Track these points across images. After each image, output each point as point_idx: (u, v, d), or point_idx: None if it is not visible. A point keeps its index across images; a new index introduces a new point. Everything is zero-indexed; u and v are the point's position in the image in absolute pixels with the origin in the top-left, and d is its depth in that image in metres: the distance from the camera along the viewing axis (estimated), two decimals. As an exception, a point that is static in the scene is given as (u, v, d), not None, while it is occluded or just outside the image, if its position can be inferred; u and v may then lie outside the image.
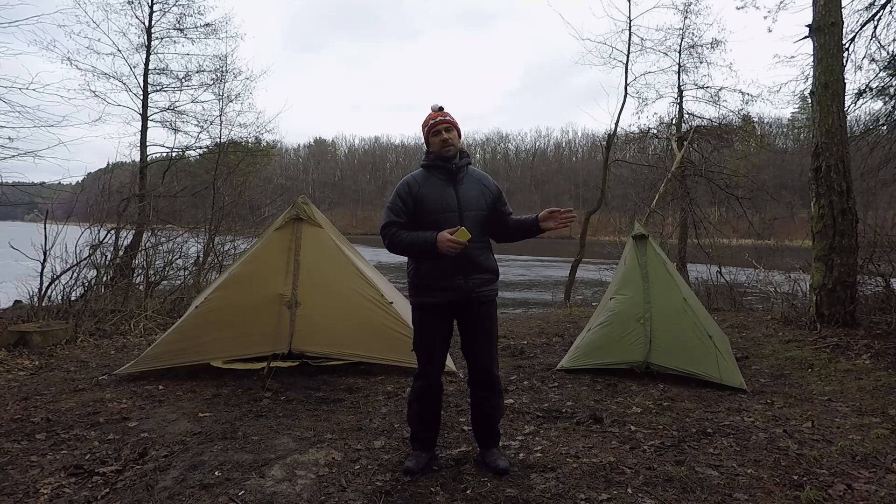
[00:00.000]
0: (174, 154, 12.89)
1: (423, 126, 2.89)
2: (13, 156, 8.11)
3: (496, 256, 2.97)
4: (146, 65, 12.26)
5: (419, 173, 2.89)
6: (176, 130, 12.86)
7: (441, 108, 2.89)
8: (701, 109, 16.20)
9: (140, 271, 9.40)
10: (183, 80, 12.73)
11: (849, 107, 7.73)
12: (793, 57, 17.23)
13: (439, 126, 2.82)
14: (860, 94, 8.56)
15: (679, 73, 15.51)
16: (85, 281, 8.12)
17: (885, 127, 8.99)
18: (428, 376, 2.88)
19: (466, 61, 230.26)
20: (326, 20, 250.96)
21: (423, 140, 2.92)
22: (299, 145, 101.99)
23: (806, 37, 7.14)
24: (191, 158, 13.97)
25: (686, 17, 14.99)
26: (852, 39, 8.25)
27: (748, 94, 15.08)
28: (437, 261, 2.72)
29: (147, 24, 12.14)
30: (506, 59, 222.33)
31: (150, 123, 12.41)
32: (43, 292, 7.51)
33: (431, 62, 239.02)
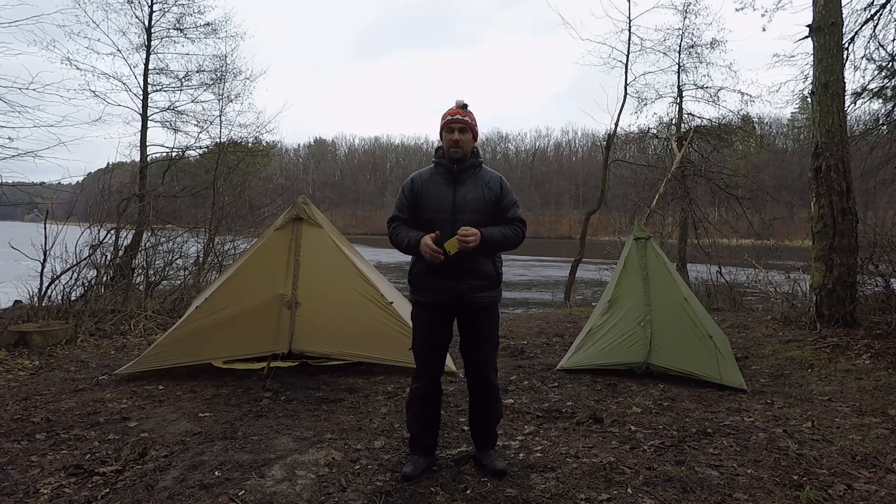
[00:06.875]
0: (174, 154, 12.85)
1: (441, 119, 2.85)
2: (13, 156, 8.08)
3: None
4: (146, 65, 12.23)
5: (427, 170, 2.90)
6: (176, 130, 12.83)
7: (464, 106, 2.83)
8: (700, 109, 16.27)
9: (140, 271, 9.38)
10: (183, 80, 12.70)
11: (848, 107, 7.73)
12: (792, 56, 17.26)
13: (453, 125, 2.78)
14: (858, 94, 8.57)
15: (679, 73, 15.52)
16: (85, 281, 8.11)
17: (884, 127, 8.99)
18: (424, 378, 2.86)
19: (521, 66, 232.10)
20: (393, 27, 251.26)
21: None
22: (299, 145, 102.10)
23: (806, 37, 7.14)
24: (191, 158, 13.93)
25: (685, 18, 15.01)
26: (852, 39, 8.26)
27: (748, 94, 15.11)
28: (428, 261, 2.73)
29: (147, 23, 12.12)
30: (557, 64, 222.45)
31: (150, 123, 12.37)
32: (43, 292, 7.50)
33: (487, 68, 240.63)
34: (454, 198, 2.76)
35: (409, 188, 2.85)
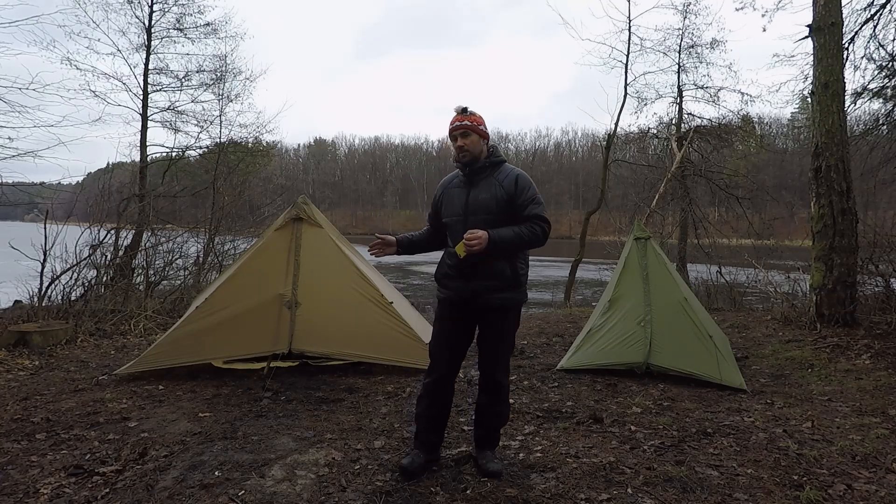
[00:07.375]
0: (174, 154, 12.86)
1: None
2: (13, 156, 8.09)
3: None
4: (146, 65, 12.23)
5: (452, 174, 2.99)
6: (176, 130, 12.84)
7: (464, 110, 2.81)
8: (700, 109, 16.26)
9: (140, 271, 9.39)
10: (183, 80, 12.71)
11: (848, 107, 7.73)
12: (792, 56, 17.28)
13: (455, 132, 2.80)
14: (858, 94, 8.58)
15: (679, 73, 15.53)
16: (85, 281, 8.12)
17: (884, 127, 8.99)
18: (434, 373, 2.87)
19: (522, 67, 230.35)
20: (394, 27, 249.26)
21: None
22: (299, 145, 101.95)
23: (806, 37, 7.14)
24: (191, 158, 13.94)
25: (685, 18, 15.01)
26: (852, 39, 8.26)
27: (748, 94, 15.12)
28: (446, 259, 2.87)
29: (147, 23, 12.12)
30: (558, 64, 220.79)
31: (150, 123, 12.38)
32: (43, 292, 7.50)
33: (488, 68, 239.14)
34: (467, 200, 2.80)
35: (435, 196, 2.99)
